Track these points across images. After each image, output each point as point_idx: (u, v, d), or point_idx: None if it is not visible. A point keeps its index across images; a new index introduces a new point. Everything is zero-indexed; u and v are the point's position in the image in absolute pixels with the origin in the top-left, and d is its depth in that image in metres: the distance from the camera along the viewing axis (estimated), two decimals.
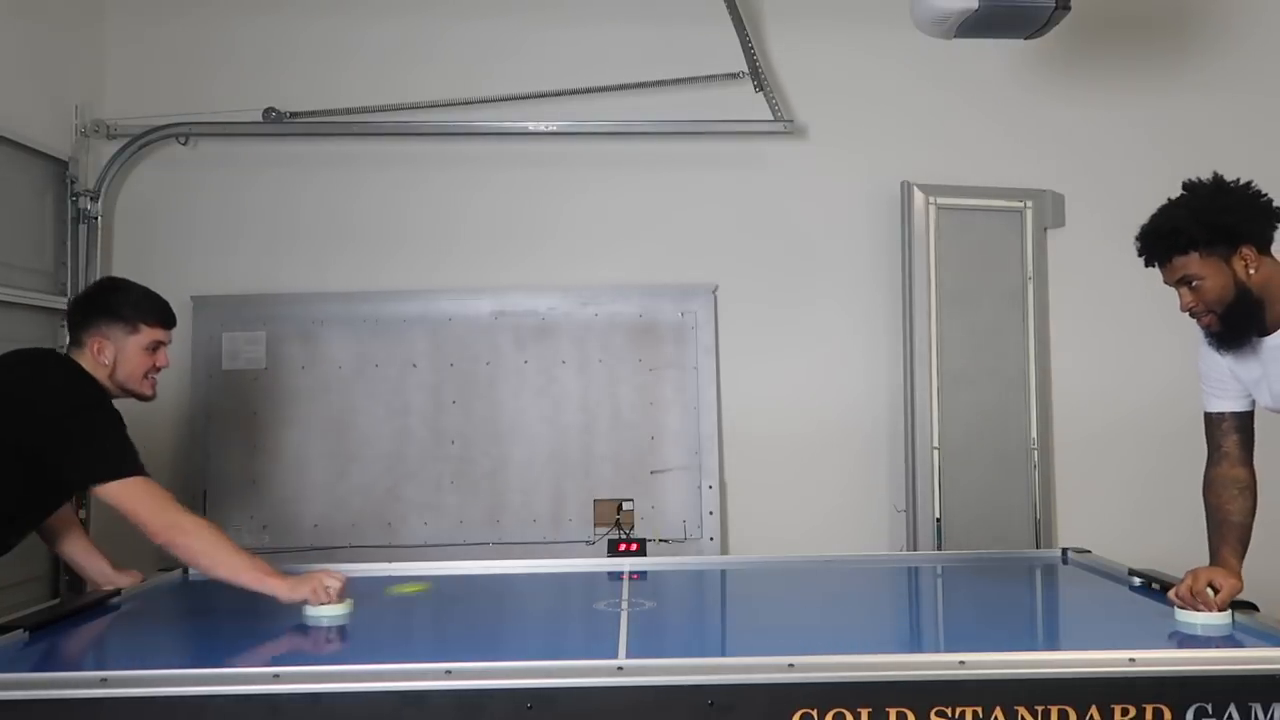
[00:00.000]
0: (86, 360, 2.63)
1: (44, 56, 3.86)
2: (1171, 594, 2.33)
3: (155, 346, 2.70)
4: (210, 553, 2.43)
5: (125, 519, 2.44)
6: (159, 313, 2.72)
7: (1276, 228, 2.32)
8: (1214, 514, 2.46)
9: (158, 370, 2.72)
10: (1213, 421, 2.52)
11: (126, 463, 2.46)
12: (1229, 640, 2.20)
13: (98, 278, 4.00)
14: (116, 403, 2.65)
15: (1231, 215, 2.28)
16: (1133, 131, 4.27)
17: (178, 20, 4.21)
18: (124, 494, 2.43)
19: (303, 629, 2.38)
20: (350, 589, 2.47)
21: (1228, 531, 2.42)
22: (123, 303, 2.68)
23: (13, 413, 2.48)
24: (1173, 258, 2.32)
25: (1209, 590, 2.26)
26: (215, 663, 2.17)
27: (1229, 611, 2.25)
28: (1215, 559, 2.39)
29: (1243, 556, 2.40)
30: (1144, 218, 2.39)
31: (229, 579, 2.43)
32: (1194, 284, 2.31)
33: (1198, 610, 2.25)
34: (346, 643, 2.38)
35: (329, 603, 2.39)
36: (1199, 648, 2.19)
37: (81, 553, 2.81)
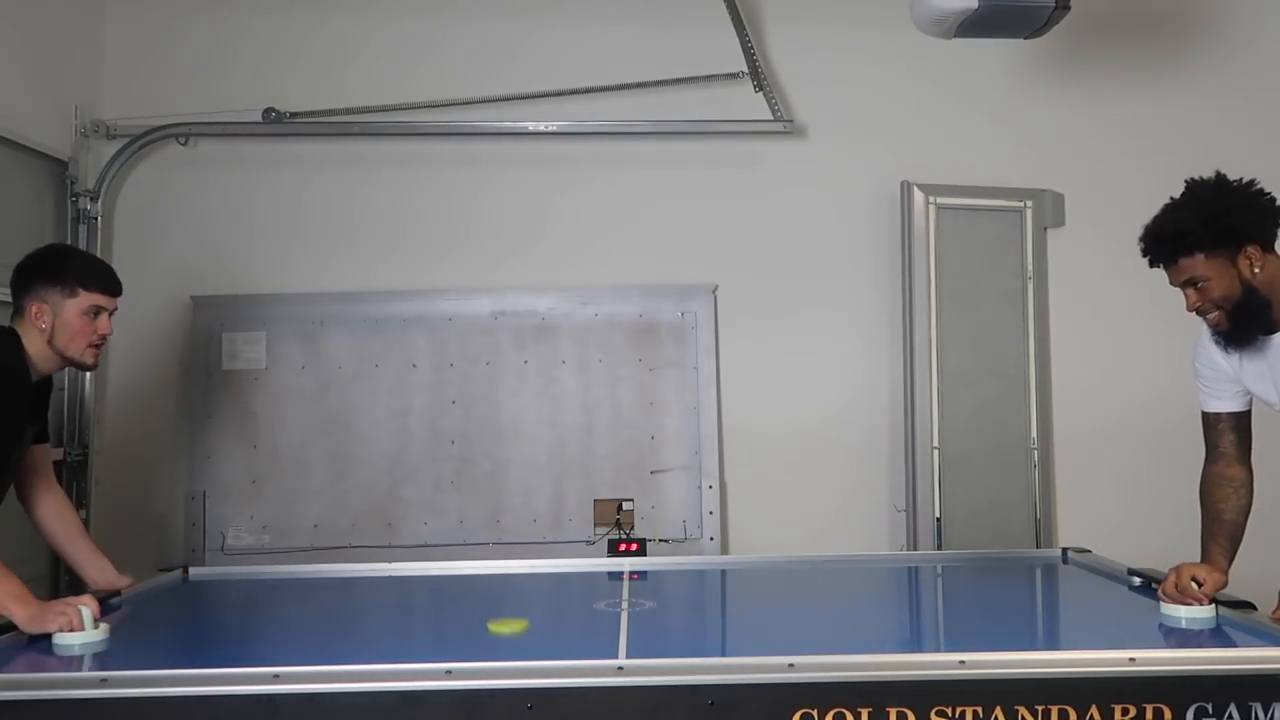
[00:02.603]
0: (25, 327, 2.54)
1: (44, 56, 3.86)
2: (1159, 590, 2.37)
3: (96, 312, 2.58)
4: None
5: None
6: (101, 277, 2.61)
7: (1279, 227, 2.33)
8: (1207, 512, 2.50)
9: (101, 338, 2.60)
10: (1209, 421, 2.54)
11: None
12: (1216, 632, 2.23)
13: None
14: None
15: (1235, 216, 2.29)
16: (1132, 131, 4.27)
17: (178, 20, 4.21)
18: None
19: (301, 628, 2.38)
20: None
21: (1218, 529, 2.46)
22: (62, 267, 2.58)
23: None
24: (1178, 259, 2.32)
25: (1193, 584, 2.30)
26: (215, 663, 2.17)
27: (1213, 605, 2.29)
28: (1205, 556, 2.44)
29: (1233, 554, 2.44)
30: (1144, 217, 2.40)
31: None
32: (1200, 285, 2.32)
33: (1185, 604, 2.29)
34: (343, 639, 2.38)
35: (79, 629, 2.18)
36: (1199, 648, 2.19)
37: (84, 554, 2.79)
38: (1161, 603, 2.34)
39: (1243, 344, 2.38)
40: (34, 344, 2.53)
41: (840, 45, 4.24)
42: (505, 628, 2.24)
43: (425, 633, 2.62)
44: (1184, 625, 2.27)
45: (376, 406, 4.09)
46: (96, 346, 2.60)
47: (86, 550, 2.77)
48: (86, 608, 2.20)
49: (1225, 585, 2.36)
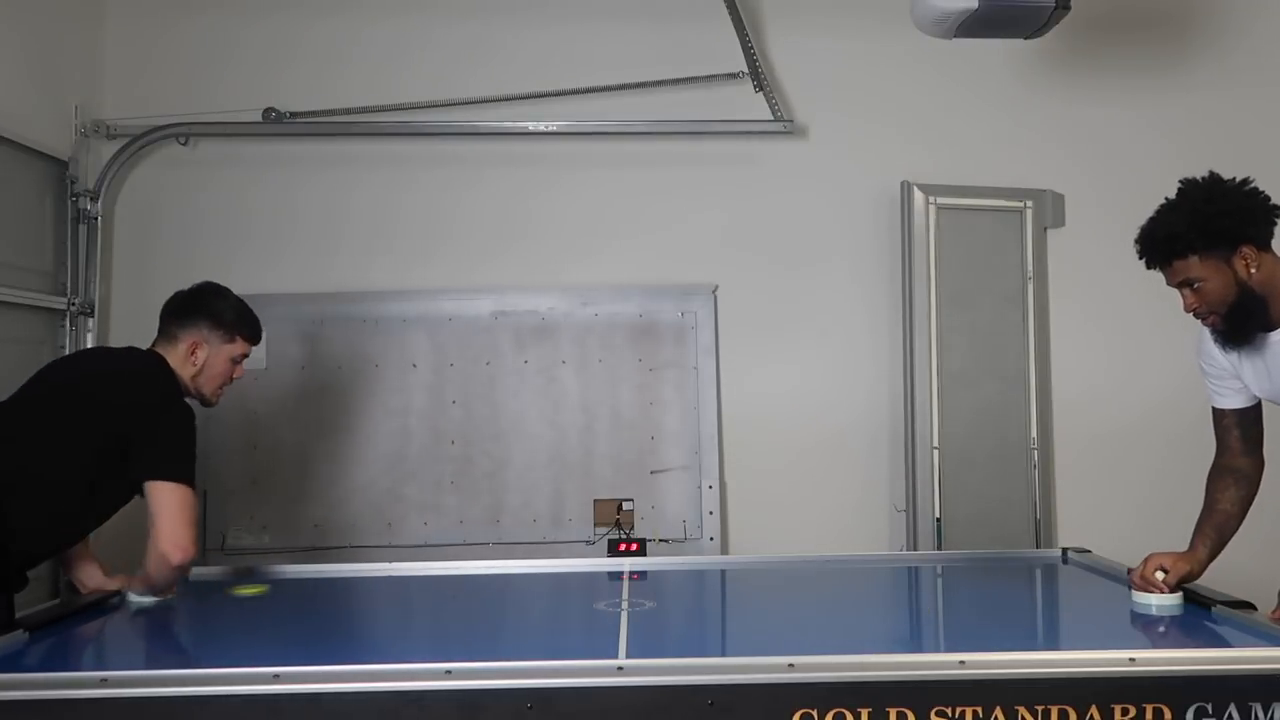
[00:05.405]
0: (175, 357, 2.70)
1: (44, 56, 3.86)
2: (1130, 578, 2.46)
3: (241, 359, 2.80)
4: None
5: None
6: (253, 328, 2.82)
7: (1275, 225, 2.33)
8: (1205, 501, 2.54)
9: (231, 381, 2.81)
10: (1217, 417, 2.57)
11: (184, 469, 2.52)
12: (1181, 619, 2.32)
13: (98, 278, 4.02)
14: None
15: (1228, 217, 2.29)
16: (1133, 131, 4.27)
17: (178, 20, 4.20)
18: (164, 495, 2.47)
19: (301, 628, 2.37)
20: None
21: (1207, 519, 2.51)
22: (225, 311, 2.77)
23: (105, 399, 2.57)
24: (1173, 261, 2.33)
25: (1159, 573, 2.38)
26: (215, 663, 2.17)
27: (1179, 593, 2.39)
28: (1190, 544, 2.48)
29: (1217, 544, 2.48)
30: (1145, 217, 2.40)
31: None
32: (1196, 286, 2.33)
33: (1149, 592, 2.39)
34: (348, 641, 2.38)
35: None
36: (1199, 648, 2.19)
37: (74, 556, 2.79)
38: (1132, 591, 2.43)
39: (1240, 343, 2.39)
40: (181, 373, 2.71)
41: (840, 45, 4.24)
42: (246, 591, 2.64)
43: (425, 633, 2.62)
44: (1154, 613, 2.36)
45: (376, 406, 4.09)
46: (222, 389, 2.81)
47: (78, 552, 2.77)
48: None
49: (1195, 575, 2.42)
